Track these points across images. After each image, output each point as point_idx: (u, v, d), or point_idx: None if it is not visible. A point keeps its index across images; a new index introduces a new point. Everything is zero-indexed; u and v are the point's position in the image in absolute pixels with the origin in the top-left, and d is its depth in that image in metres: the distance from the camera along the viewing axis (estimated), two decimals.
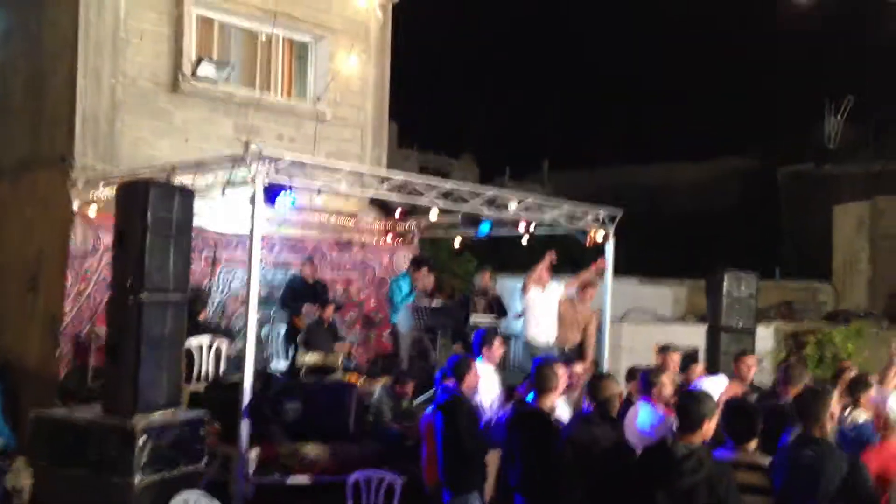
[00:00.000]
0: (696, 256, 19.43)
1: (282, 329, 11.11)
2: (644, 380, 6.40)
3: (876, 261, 16.65)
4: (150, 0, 10.88)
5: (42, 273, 10.57)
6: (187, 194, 6.44)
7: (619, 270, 10.98)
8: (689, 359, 8.87)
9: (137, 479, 5.66)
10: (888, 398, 5.38)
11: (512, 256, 17.41)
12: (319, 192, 8.54)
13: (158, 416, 5.93)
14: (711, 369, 8.86)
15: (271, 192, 7.54)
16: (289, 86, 12.59)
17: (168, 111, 11.04)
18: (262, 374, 8.24)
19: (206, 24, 11.62)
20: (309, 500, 8.05)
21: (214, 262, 10.85)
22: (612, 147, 32.18)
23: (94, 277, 9.95)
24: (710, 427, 4.64)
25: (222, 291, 11.07)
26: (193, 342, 8.72)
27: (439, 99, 33.06)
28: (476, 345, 7.28)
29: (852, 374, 7.62)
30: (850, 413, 6.00)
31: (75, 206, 9.91)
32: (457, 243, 13.15)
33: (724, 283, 9.58)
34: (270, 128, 11.92)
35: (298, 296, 10.75)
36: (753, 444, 4.79)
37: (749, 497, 4.59)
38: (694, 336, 11.23)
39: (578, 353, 10.38)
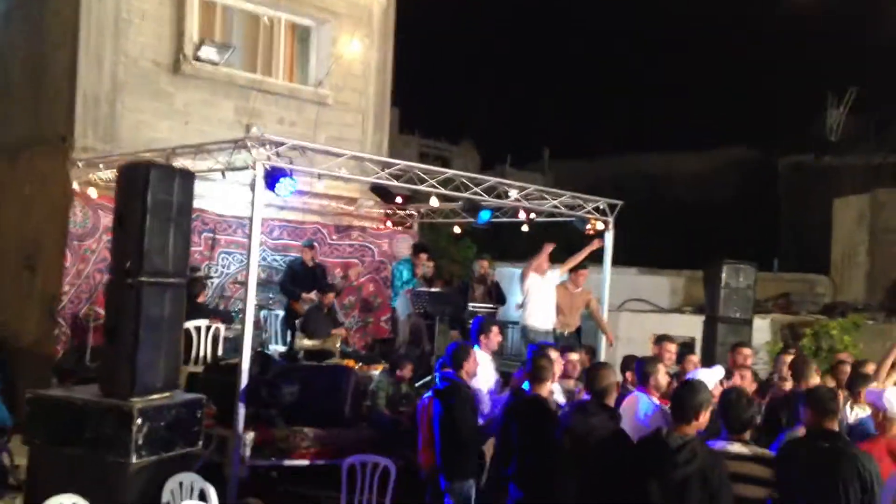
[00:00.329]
0: (695, 247, 19.46)
1: (280, 313, 11.14)
2: (639, 370, 6.41)
3: (875, 254, 16.65)
4: None
5: (40, 252, 10.58)
6: (188, 177, 6.41)
7: (617, 260, 10.99)
8: (686, 349, 8.89)
9: (134, 459, 5.66)
10: (884, 394, 5.40)
11: (511, 244, 17.45)
12: (320, 177, 8.53)
13: (156, 399, 5.93)
14: (708, 360, 8.89)
15: (272, 177, 7.52)
16: (291, 69, 12.55)
17: (169, 93, 11.02)
18: (259, 357, 8.24)
19: (208, 5, 11.59)
20: (304, 483, 8.09)
21: (214, 245, 10.86)
22: (612, 136, 32.18)
23: (93, 257, 9.96)
24: (705, 418, 4.66)
25: (221, 274, 11.09)
26: (191, 324, 8.73)
27: (441, 85, 32.97)
28: (474, 332, 7.30)
29: (847, 366, 7.66)
30: (852, 409, 6.01)
31: (75, 186, 9.90)
32: (456, 229, 13.17)
33: (723, 274, 9.58)
34: (272, 111, 11.90)
35: (298, 280, 10.76)
36: (748, 435, 4.81)
37: (751, 488, 4.61)
38: (691, 326, 11.27)
39: (577, 338, 10.43)
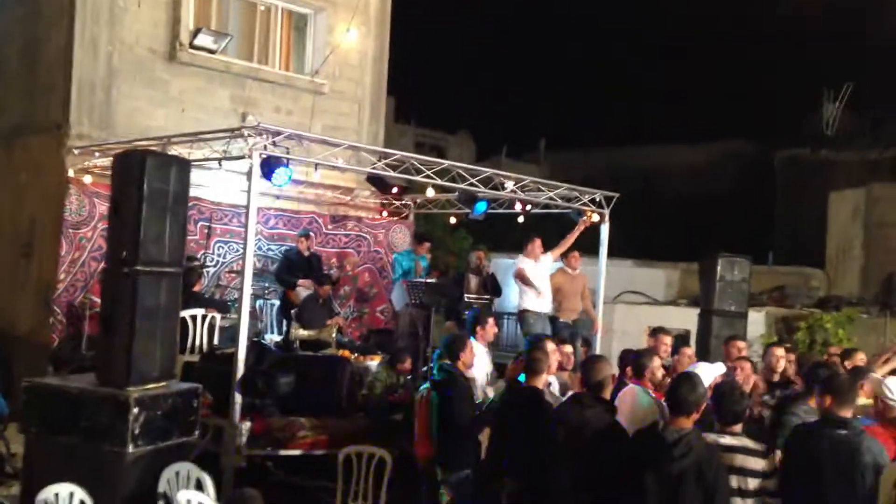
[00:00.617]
0: (690, 239, 19.49)
1: (276, 302, 11.13)
2: (634, 362, 6.43)
3: (869, 248, 16.71)
4: None
5: (36, 240, 10.55)
6: (184, 165, 6.39)
7: (612, 252, 11.00)
8: (681, 341, 8.90)
9: (130, 449, 5.65)
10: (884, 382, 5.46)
11: (506, 235, 17.44)
12: (317, 167, 8.50)
13: (152, 388, 5.93)
14: (702, 352, 8.91)
15: (268, 166, 7.50)
16: (287, 58, 12.51)
17: (165, 80, 10.97)
18: (255, 346, 8.23)
19: None
20: (300, 473, 8.11)
21: (210, 234, 10.84)
22: (609, 128, 32.15)
23: (89, 246, 9.93)
24: (700, 411, 4.68)
25: (217, 263, 11.07)
26: (187, 313, 8.72)
27: (436, 74, 32.88)
28: (470, 324, 7.30)
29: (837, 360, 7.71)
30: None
31: (70, 173, 9.86)
32: (452, 220, 13.16)
33: (718, 267, 9.59)
34: (267, 100, 11.86)
35: (294, 269, 10.76)
36: (739, 427, 4.83)
37: (743, 480, 4.62)
38: (686, 319, 11.29)
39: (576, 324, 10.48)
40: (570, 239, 10.38)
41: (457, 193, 10.34)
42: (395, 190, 11.99)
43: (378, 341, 10.50)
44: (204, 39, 11.00)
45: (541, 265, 10.16)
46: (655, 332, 7.95)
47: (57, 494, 5.09)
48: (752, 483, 4.63)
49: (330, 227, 12.26)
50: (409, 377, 8.85)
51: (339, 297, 11.72)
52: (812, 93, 24.00)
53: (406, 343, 9.89)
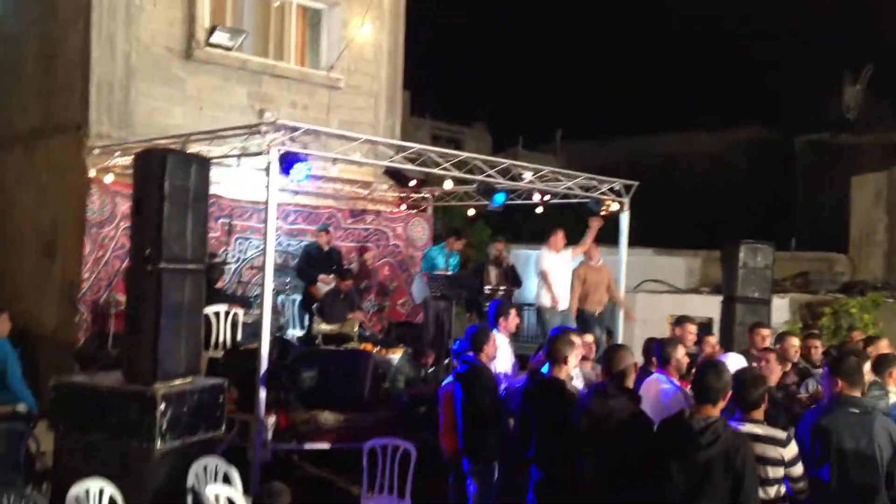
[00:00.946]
0: (711, 227, 19.37)
1: (297, 297, 11.18)
2: (659, 351, 6.39)
3: (893, 231, 16.52)
4: None
5: (59, 240, 10.64)
6: (203, 163, 6.42)
7: (633, 241, 10.96)
8: (704, 329, 8.86)
9: (158, 444, 5.71)
10: None
11: (525, 226, 17.41)
12: (335, 161, 8.52)
13: (178, 384, 5.98)
14: (726, 340, 8.86)
15: (286, 162, 7.52)
16: (302, 53, 12.53)
17: (181, 78, 11.01)
18: (278, 342, 8.28)
19: None
20: (325, 466, 8.15)
21: (230, 230, 10.89)
22: (625, 117, 31.99)
23: (112, 244, 10.00)
24: (726, 399, 4.66)
25: (238, 259, 11.13)
26: (211, 310, 8.77)
27: (452, 67, 32.83)
28: (491, 315, 7.29)
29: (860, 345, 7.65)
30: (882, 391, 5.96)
31: (91, 173, 9.93)
32: (471, 212, 13.14)
33: (741, 254, 9.53)
34: (284, 96, 11.88)
35: (314, 264, 10.79)
36: (760, 414, 4.80)
37: (766, 469, 4.60)
38: (708, 307, 11.23)
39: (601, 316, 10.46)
40: (589, 239, 10.32)
41: (475, 185, 10.32)
42: (412, 183, 11.98)
43: (399, 334, 10.52)
44: (220, 37, 11.03)
45: (562, 257, 10.14)
46: (680, 320, 7.89)
47: (87, 491, 5.14)
48: (772, 472, 4.61)
49: (349, 221, 12.29)
50: (431, 370, 8.88)
51: (360, 290, 11.74)
52: (832, 76, 23.78)
53: (431, 336, 9.92)
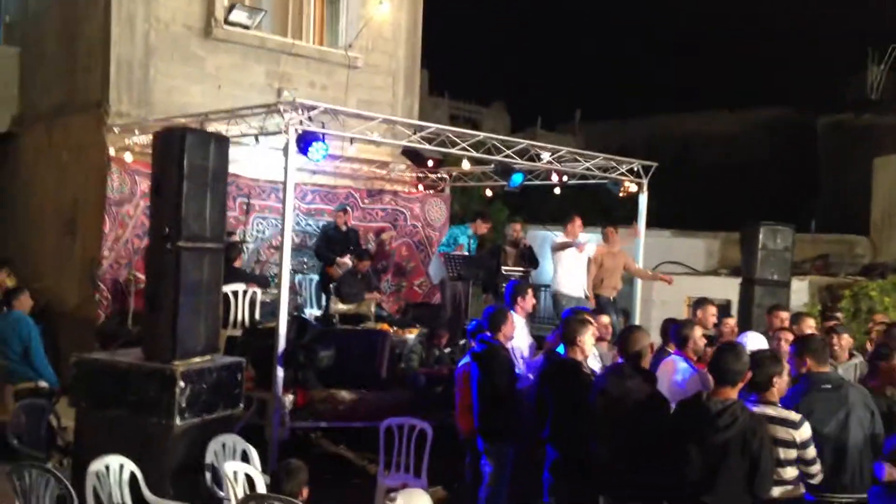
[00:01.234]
0: (730, 208, 19.23)
1: (314, 277, 11.23)
2: (676, 333, 6.38)
3: None
4: None
5: (79, 218, 10.73)
6: (222, 141, 6.43)
7: (651, 223, 10.90)
8: (722, 312, 8.82)
9: (177, 421, 5.76)
10: None
11: (542, 207, 17.36)
12: (352, 141, 8.52)
13: (197, 362, 6.03)
14: (744, 323, 8.81)
15: (304, 141, 7.53)
16: (320, 32, 12.48)
17: (200, 57, 11.02)
18: (296, 321, 8.33)
19: None
20: (342, 445, 8.22)
21: (248, 210, 10.93)
22: (644, 97, 31.72)
23: (131, 223, 10.08)
24: (744, 381, 4.66)
25: (256, 239, 11.18)
26: (229, 288, 8.83)
27: (470, 47, 32.64)
28: (508, 295, 7.29)
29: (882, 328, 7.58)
30: None
31: (111, 151, 9.99)
32: (488, 192, 13.11)
33: (760, 236, 9.45)
34: (302, 75, 11.87)
35: (332, 243, 10.82)
36: (775, 395, 4.78)
37: (780, 450, 4.61)
38: (727, 289, 11.18)
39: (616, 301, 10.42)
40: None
41: (492, 165, 10.29)
42: (430, 163, 11.96)
43: (416, 315, 10.55)
44: (238, 15, 11.02)
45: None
46: (700, 302, 7.86)
47: (107, 466, 5.21)
48: (784, 453, 4.62)
49: (366, 201, 12.29)
50: (447, 350, 8.91)
51: (377, 271, 11.78)
52: (855, 57, 23.43)
53: (448, 316, 9.93)
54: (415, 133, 8.99)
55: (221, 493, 5.48)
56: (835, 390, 5.04)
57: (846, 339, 6.74)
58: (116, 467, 5.25)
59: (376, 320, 9.66)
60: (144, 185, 9.55)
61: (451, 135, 8.93)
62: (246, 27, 11.19)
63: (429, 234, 12.69)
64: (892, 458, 5.02)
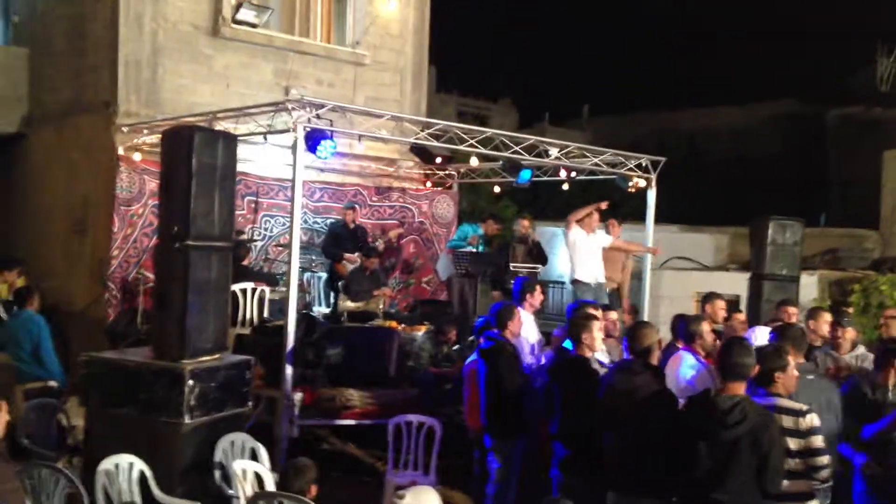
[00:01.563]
0: (740, 203, 19.15)
1: (323, 275, 11.24)
2: (684, 328, 6.37)
3: None
4: None
5: (88, 217, 10.77)
6: (230, 140, 6.44)
7: (660, 218, 10.87)
8: (731, 307, 8.79)
9: (186, 420, 5.78)
10: None
11: (551, 203, 17.34)
12: (360, 138, 8.52)
13: (206, 360, 6.04)
14: (753, 318, 8.78)
15: (312, 139, 7.54)
16: (328, 30, 12.48)
17: (208, 56, 11.04)
18: (305, 319, 8.35)
19: None
20: (351, 442, 8.24)
21: (257, 208, 10.96)
22: (653, 91, 31.59)
23: (140, 222, 10.12)
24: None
25: (264, 237, 11.21)
26: (238, 287, 8.85)
27: (478, 43, 32.58)
28: (517, 292, 7.29)
29: (894, 322, 7.52)
30: None
31: (120, 151, 10.02)
32: (496, 189, 13.10)
33: (769, 231, 9.41)
34: (309, 73, 11.87)
35: (340, 241, 10.83)
36: (780, 388, 4.77)
37: (788, 440, 4.60)
38: (736, 284, 11.13)
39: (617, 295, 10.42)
40: (584, 210, 10.18)
41: (500, 162, 10.28)
42: (438, 160, 11.95)
43: (425, 312, 10.55)
44: (246, 14, 11.03)
45: (593, 238, 9.99)
46: (709, 297, 7.82)
47: (117, 465, 5.24)
48: (792, 443, 4.63)
49: (375, 198, 12.30)
50: (455, 347, 8.90)
51: (385, 268, 11.78)
52: (864, 50, 23.27)
53: (456, 313, 9.93)
54: (422, 130, 8.99)
55: (231, 492, 5.50)
56: (817, 379, 5.32)
57: (850, 332, 6.73)
58: (126, 466, 5.28)
59: (385, 318, 9.66)
60: (153, 184, 9.57)
61: (458, 131, 8.92)
62: (253, 25, 11.21)
63: (437, 231, 12.69)
64: (872, 448, 5.04)
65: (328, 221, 11.54)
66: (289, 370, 7.27)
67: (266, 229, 11.27)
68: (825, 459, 4.69)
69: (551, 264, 11.60)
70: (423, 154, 11.31)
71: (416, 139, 9.08)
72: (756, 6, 30.63)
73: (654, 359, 5.39)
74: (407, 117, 9.60)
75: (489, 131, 9.25)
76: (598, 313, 6.30)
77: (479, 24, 33.17)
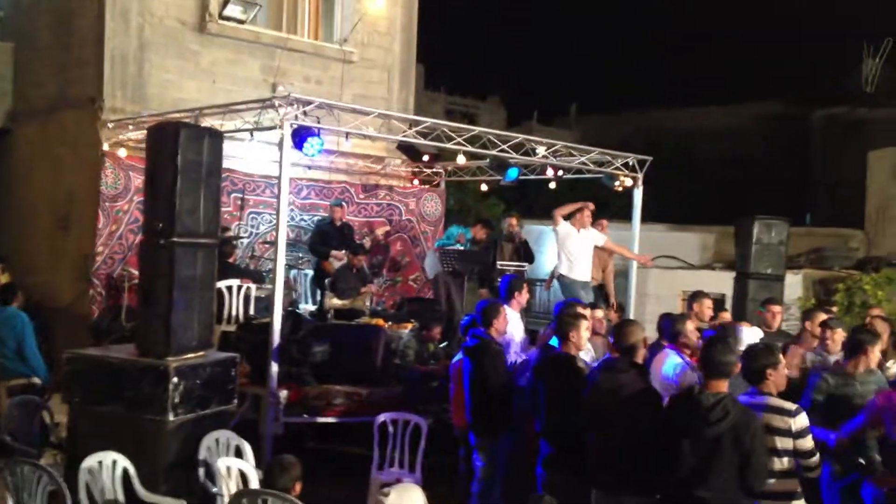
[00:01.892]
0: (727, 202, 19.23)
1: (309, 272, 11.22)
2: (669, 327, 6.38)
3: None
4: None
5: (73, 213, 10.71)
6: (216, 136, 6.41)
7: (647, 217, 10.90)
8: (717, 305, 8.84)
9: (171, 417, 5.75)
10: None
11: (538, 201, 17.36)
12: (347, 136, 8.50)
13: (191, 357, 6.02)
14: (739, 316, 8.83)
15: (299, 136, 7.51)
16: (316, 27, 12.45)
17: (195, 52, 11.00)
18: (291, 316, 8.32)
19: None
20: (337, 440, 8.22)
21: (243, 205, 10.92)
22: (641, 91, 31.66)
23: (126, 218, 10.07)
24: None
25: (250, 234, 11.17)
26: (223, 284, 8.82)
27: (466, 41, 32.57)
28: (504, 290, 7.29)
29: (881, 321, 7.56)
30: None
31: (105, 146, 9.97)
32: (484, 187, 13.11)
33: (755, 230, 9.47)
34: (297, 70, 11.85)
35: (327, 239, 10.81)
36: (771, 387, 4.78)
37: (778, 439, 4.63)
38: (721, 283, 11.19)
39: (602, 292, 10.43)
40: (571, 207, 10.19)
41: (488, 160, 10.28)
42: (426, 158, 11.95)
43: (411, 310, 10.54)
44: (233, 10, 10.99)
45: (585, 235, 9.89)
46: (696, 296, 7.83)
47: (101, 462, 5.21)
48: (780, 442, 4.64)
49: (362, 196, 12.29)
50: (443, 345, 8.90)
51: (373, 266, 11.77)
52: (850, 50, 23.43)
53: (443, 311, 9.93)
54: (410, 128, 8.98)
55: (215, 489, 5.48)
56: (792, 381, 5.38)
57: (839, 334, 6.71)
58: (109, 463, 5.24)
59: (371, 315, 9.65)
60: (139, 180, 9.53)
61: (446, 129, 8.92)
62: (240, 22, 11.16)
63: (424, 229, 12.69)
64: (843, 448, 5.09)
65: (315, 219, 11.51)
66: (274, 367, 7.25)
67: (252, 226, 11.23)
68: (816, 460, 4.72)
69: (538, 263, 11.61)
70: (410, 152, 11.28)
71: (404, 137, 9.07)
72: (746, 7, 30.76)
73: (640, 357, 5.39)
74: (394, 115, 9.59)
75: (476, 129, 9.26)
76: (587, 312, 6.32)
77: (467, 22, 33.17)
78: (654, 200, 10.88)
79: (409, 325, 9.19)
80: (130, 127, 9.64)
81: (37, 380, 7.72)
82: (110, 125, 9.89)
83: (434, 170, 12.69)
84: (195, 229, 6.04)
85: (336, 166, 11.85)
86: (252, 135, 8.34)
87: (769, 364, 4.79)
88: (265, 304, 8.96)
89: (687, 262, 14.95)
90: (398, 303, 11.48)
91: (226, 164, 7.20)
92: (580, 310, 6.13)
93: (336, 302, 9.72)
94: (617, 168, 10.28)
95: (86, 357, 6.32)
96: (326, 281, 10.33)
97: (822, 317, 7.14)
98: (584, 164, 10.03)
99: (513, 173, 9.84)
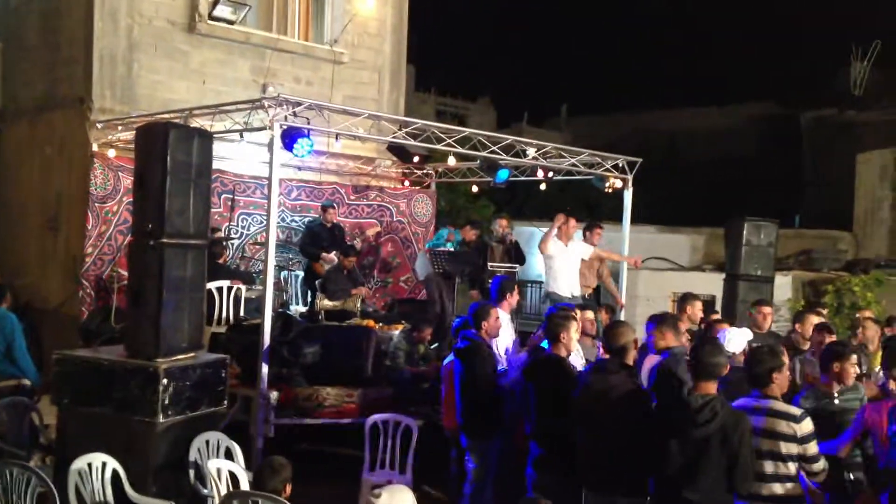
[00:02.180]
0: (717, 203, 19.31)
1: (300, 273, 11.20)
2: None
3: None
4: None
5: (62, 214, 10.66)
6: (206, 137, 6.40)
7: (638, 218, 10.92)
8: (707, 307, 8.86)
9: (161, 419, 5.74)
10: None
11: (528, 202, 17.41)
12: (338, 136, 8.50)
13: (181, 359, 6.00)
14: (728, 318, 8.86)
15: (289, 137, 7.50)
16: (306, 28, 12.44)
17: (185, 52, 10.96)
18: (281, 317, 8.31)
19: None
20: (327, 441, 8.21)
21: (233, 206, 10.89)
22: (631, 92, 31.78)
23: (115, 219, 10.03)
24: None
25: (241, 235, 11.14)
26: (213, 285, 8.79)
27: (457, 42, 32.60)
28: (495, 291, 7.29)
29: (871, 324, 7.60)
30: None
31: (94, 147, 9.93)
32: (474, 189, 13.11)
33: (744, 232, 9.51)
34: (287, 70, 11.83)
35: (317, 240, 10.79)
36: (775, 390, 4.76)
37: (783, 444, 4.62)
38: (711, 284, 11.23)
39: (596, 298, 10.41)
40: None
41: (478, 161, 10.28)
42: (416, 159, 11.95)
43: (402, 311, 10.54)
44: (223, 10, 10.96)
45: (571, 249, 9.80)
46: (687, 298, 7.84)
47: (90, 464, 5.18)
48: (785, 447, 4.62)
49: (352, 197, 12.28)
50: (432, 347, 8.90)
51: (363, 267, 11.76)
52: (839, 52, 23.55)
53: (433, 312, 9.92)
54: (400, 129, 8.98)
55: (205, 491, 5.47)
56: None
57: (831, 337, 6.73)
58: (99, 465, 5.22)
59: (362, 317, 9.64)
60: (128, 181, 9.50)
61: (436, 131, 8.92)
62: (230, 22, 11.14)
63: (415, 230, 12.69)
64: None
65: (306, 220, 11.49)
66: (265, 369, 7.23)
67: (243, 227, 11.21)
68: (820, 465, 4.69)
69: (529, 264, 11.62)
70: (400, 153, 11.29)
71: (394, 138, 9.07)
72: (740, 9, 30.90)
73: (630, 358, 5.41)
74: (385, 116, 9.58)
75: (467, 131, 9.26)
76: (578, 316, 6.34)
77: (458, 24, 33.19)
78: (644, 202, 10.89)
79: (400, 327, 9.19)
80: (120, 127, 9.60)
81: (26, 381, 7.66)
82: (99, 125, 9.86)
83: (424, 171, 12.69)
84: (185, 230, 6.03)
85: (326, 167, 11.84)
86: (242, 136, 8.33)
87: (775, 367, 4.76)
88: (255, 306, 8.95)
89: (677, 263, 15.00)
90: (389, 304, 11.48)
91: (216, 164, 7.19)
92: (570, 313, 6.15)
93: (327, 303, 9.70)
94: (607, 170, 10.31)
95: (75, 358, 6.29)
96: (317, 282, 10.31)
97: (813, 319, 7.16)
98: (574, 165, 10.05)
99: (503, 175, 9.84)
